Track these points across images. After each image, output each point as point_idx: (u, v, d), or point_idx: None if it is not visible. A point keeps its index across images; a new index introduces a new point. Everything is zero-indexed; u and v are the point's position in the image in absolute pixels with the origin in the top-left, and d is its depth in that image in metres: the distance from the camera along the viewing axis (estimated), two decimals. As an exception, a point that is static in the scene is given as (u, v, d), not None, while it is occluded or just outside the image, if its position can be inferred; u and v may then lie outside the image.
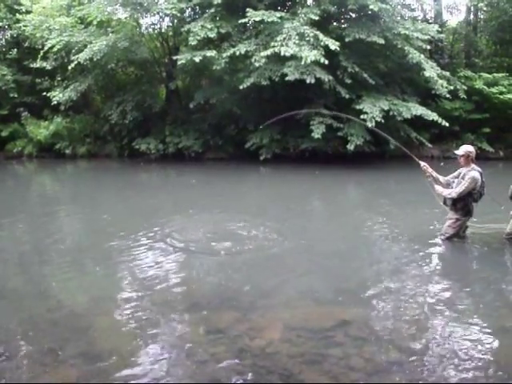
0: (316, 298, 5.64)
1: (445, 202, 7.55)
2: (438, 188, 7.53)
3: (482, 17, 25.72)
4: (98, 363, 4.16)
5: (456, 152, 7.58)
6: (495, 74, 20.21)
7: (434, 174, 7.67)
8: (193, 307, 5.38)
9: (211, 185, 14.82)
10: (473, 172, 7.27)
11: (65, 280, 6.43)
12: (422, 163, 7.72)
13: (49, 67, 20.37)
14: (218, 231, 8.80)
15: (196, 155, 19.70)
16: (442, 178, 7.63)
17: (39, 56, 19.68)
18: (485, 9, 24.48)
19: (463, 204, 7.36)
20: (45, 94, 20.16)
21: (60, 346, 4.47)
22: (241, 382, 3.88)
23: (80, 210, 11.20)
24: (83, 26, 20.03)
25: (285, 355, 4.24)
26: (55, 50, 18.89)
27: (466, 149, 7.46)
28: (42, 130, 20.93)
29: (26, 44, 21.29)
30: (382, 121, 16.44)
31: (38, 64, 20.12)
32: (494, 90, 19.54)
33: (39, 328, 4.91)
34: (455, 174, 7.52)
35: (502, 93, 19.43)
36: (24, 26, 20.18)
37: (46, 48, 18.96)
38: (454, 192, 7.34)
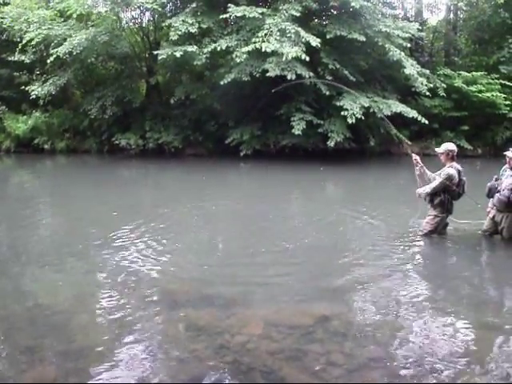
0: (296, 295, 5.64)
1: (425, 199, 7.64)
2: (418, 190, 7.61)
3: (461, 16, 26.03)
4: (76, 361, 4.12)
5: (436, 149, 7.67)
6: (474, 73, 20.50)
7: (424, 168, 7.74)
8: (173, 304, 5.35)
9: (191, 181, 14.76)
10: (449, 169, 7.35)
11: (43, 278, 6.36)
12: (414, 155, 7.80)
13: (27, 61, 20.09)
14: (198, 228, 8.78)
15: (176, 151, 19.63)
16: (429, 173, 7.70)
17: (17, 49, 19.35)
18: (464, 8, 24.77)
19: (440, 201, 7.44)
20: (23, 87, 19.91)
21: (38, 345, 4.42)
22: (221, 378, 3.88)
23: (59, 207, 11.08)
24: (63, 20, 19.80)
25: (265, 351, 4.24)
26: (34, 43, 18.60)
27: (446, 147, 7.54)
28: (20, 125, 20.66)
29: (4, 37, 20.96)
30: (363, 117, 16.54)
31: (16, 57, 19.84)
32: (472, 88, 19.81)
33: (17, 327, 4.84)
34: (439, 171, 7.60)
35: (480, 91, 19.70)
36: (1, 18, 19.83)
37: (24, 41, 18.67)
38: (428, 187, 7.44)
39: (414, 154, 7.86)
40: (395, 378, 3.89)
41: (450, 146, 7.58)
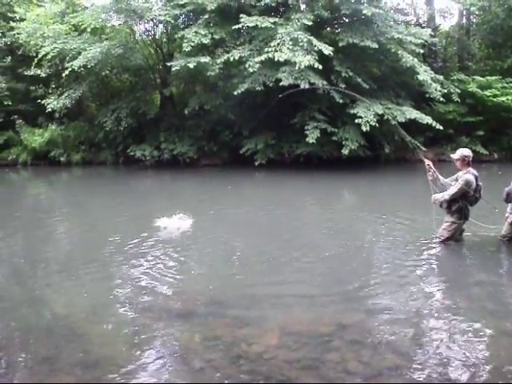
0: (313, 303, 5.62)
1: (441, 205, 7.57)
2: (435, 195, 7.55)
3: (474, 20, 25.89)
4: (93, 371, 4.13)
5: (452, 156, 7.60)
6: (488, 77, 20.36)
7: (437, 173, 7.69)
8: (189, 314, 5.35)
9: (206, 191, 14.80)
10: (467, 175, 7.28)
11: (60, 288, 6.39)
12: (427, 161, 7.74)
13: (43, 75, 20.36)
14: (213, 238, 8.78)
15: (191, 161, 19.70)
16: (442, 179, 7.65)
17: (33, 63, 19.65)
18: (477, 13, 24.60)
19: (458, 207, 7.37)
20: (39, 101, 20.17)
21: (55, 355, 4.45)
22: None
23: (75, 218, 11.16)
24: (77, 34, 20.07)
25: (282, 361, 4.22)
26: (49, 57, 18.86)
27: (461, 153, 7.46)
28: (36, 138, 20.88)
29: (20, 52, 21.24)
30: (377, 125, 16.50)
31: (32, 71, 20.12)
32: (487, 92, 19.66)
33: (34, 336, 4.87)
34: (454, 176, 7.54)
35: (495, 95, 19.56)
36: (18, 33, 20.14)
37: (40, 55, 18.93)
38: (446, 194, 7.37)
39: (426, 160, 7.80)
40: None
41: (465, 151, 7.51)
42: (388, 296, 5.76)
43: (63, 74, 18.47)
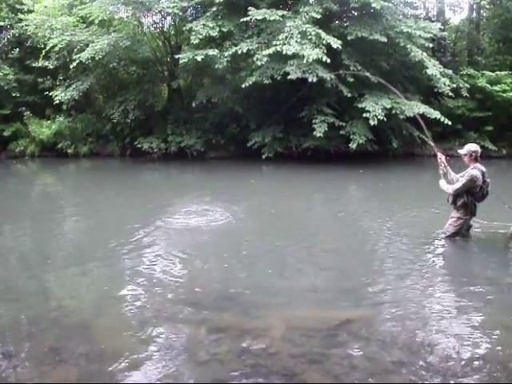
0: (318, 298, 5.62)
1: (448, 200, 7.53)
2: (441, 182, 7.52)
3: (484, 15, 25.66)
4: (99, 363, 4.15)
5: (459, 151, 7.55)
6: (498, 72, 20.19)
7: (448, 167, 7.64)
8: (194, 307, 5.36)
9: (214, 184, 14.80)
10: (473, 171, 7.22)
11: (66, 279, 6.42)
12: (439, 154, 7.70)
13: (51, 66, 20.36)
14: (220, 231, 8.79)
15: (198, 154, 19.68)
16: (452, 174, 7.60)
17: (41, 55, 19.65)
18: (487, 6, 24.41)
19: (463, 202, 7.31)
20: (47, 93, 20.19)
21: (61, 346, 4.46)
22: (243, 382, 3.87)
23: (82, 210, 11.18)
24: (85, 25, 20.04)
25: (287, 355, 4.22)
26: (57, 49, 18.86)
27: (468, 148, 7.41)
28: (44, 130, 20.92)
29: (28, 43, 21.28)
30: (385, 119, 16.43)
31: (40, 63, 20.11)
32: (496, 88, 19.51)
33: (40, 327, 4.89)
34: (463, 173, 7.49)
35: (504, 91, 19.40)
36: (26, 25, 20.11)
37: (48, 47, 18.92)
38: (451, 188, 7.33)
39: (439, 153, 7.74)
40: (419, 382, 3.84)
41: (472, 146, 7.45)
42: (394, 291, 5.74)
43: (71, 66, 18.45)
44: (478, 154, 7.37)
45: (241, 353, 4.27)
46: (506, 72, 20.28)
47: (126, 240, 7.96)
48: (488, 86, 19.63)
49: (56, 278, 6.47)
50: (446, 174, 7.65)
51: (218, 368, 4.06)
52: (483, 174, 7.26)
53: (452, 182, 7.53)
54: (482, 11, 25.51)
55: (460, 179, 7.35)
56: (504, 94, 19.35)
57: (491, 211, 8.02)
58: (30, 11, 20.92)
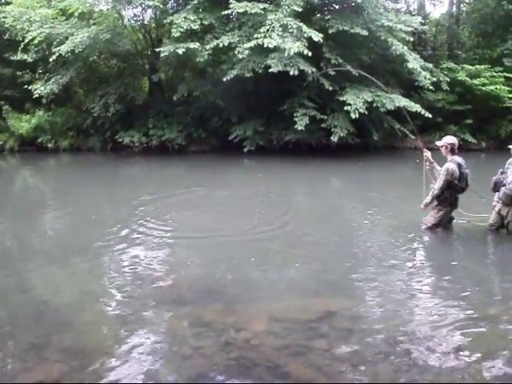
0: (301, 290, 5.65)
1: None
2: (425, 202, 7.55)
3: (464, 9, 25.98)
4: (81, 359, 4.12)
5: (437, 143, 7.64)
6: (477, 66, 20.41)
7: (434, 163, 7.71)
8: (177, 301, 5.35)
9: (195, 177, 14.77)
10: (448, 164, 7.30)
11: (48, 276, 6.37)
12: (426, 151, 7.73)
13: (30, 60, 19.99)
14: (201, 224, 8.78)
15: (179, 148, 19.61)
16: (439, 169, 7.65)
17: (20, 48, 19.29)
18: (467, 1, 24.68)
19: (443, 197, 7.40)
20: (26, 86, 19.88)
21: (43, 342, 4.43)
22: (226, 375, 3.87)
23: (63, 206, 11.07)
24: (64, 18, 19.75)
25: (270, 347, 4.24)
26: (36, 42, 18.56)
27: (445, 140, 7.51)
28: (23, 124, 20.64)
29: (6, 36, 20.79)
30: (366, 112, 16.51)
31: (18, 56, 19.75)
32: (476, 81, 19.73)
33: (22, 324, 4.85)
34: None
35: (484, 84, 19.63)
36: (4, 17, 19.73)
37: (26, 40, 18.61)
38: (434, 190, 7.39)
39: (425, 150, 7.78)
40: (401, 373, 3.88)
41: (449, 139, 7.54)
42: (376, 282, 5.79)
43: (50, 59, 18.19)
44: (455, 147, 7.45)
45: (224, 346, 4.28)
46: (485, 66, 20.50)
47: (107, 235, 7.90)
48: (468, 79, 19.84)
49: (36, 275, 6.40)
50: (432, 170, 7.72)
51: (201, 362, 4.06)
52: (459, 165, 7.33)
53: (438, 176, 7.58)
54: (461, 5, 25.80)
55: (439, 175, 7.43)
56: (483, 88, 19.57)
57: (470, 204, 8.09)
58: (7, 3, 20.60)
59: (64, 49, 17.42)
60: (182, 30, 16.75)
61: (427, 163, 7.70)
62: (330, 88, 16.93)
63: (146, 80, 22.13)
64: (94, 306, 5.32)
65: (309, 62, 16.37)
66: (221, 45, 16.74)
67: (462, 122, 20.22)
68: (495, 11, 22.25)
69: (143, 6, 19.36)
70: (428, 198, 7.49)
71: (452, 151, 7.42)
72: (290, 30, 15.90)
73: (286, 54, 15.47)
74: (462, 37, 24.69)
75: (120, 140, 19.80)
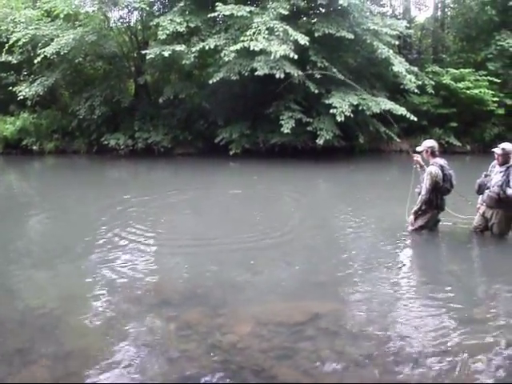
0: (286, 292, 5.66)
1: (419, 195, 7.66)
2: (411, 217, 7.62)
3: (449, 13, 26.20)
4: (67, 363, 4.09)
5: (417, 149, 7.70)
6: (462, 70, 20.59)
7: (425, 167, 7.75)
8: (163, 304, 5.33)
9: (180, 180, 14.74)
10: (431, 167, 7.38)
11: (33, 280, 6.30)
12: (416, 156, 7.75)
13: (14, 61, 19.86)
14: (187, 227, 8.76)
15: (165, 150, 19.55)
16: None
17: (4, 50, 19.19)
18: (452, 5, 24.90)
19: (428, 199, 7.46)
20: (10, 88, 19.72)
21: (28, 347, 4.39)
22: (212, 378, 3.87)
23: (47, 209, 10.98)
24: (50, 19, 19.66)
25: (256, 350, 4.24)
26: (21, 43, 18.45)
27: (425, 144, 7.61)
28: (8, 126, 20.44)
29: (-10, 37, 20.76)
30: (352, 115, 16.59)
31: (2, 58, 19.61)
32: (460, 85, 19.91)
33: (6, 328, 4.80)
34: None
35: (468, 88, 19.81)
36: (-13, 19, 19.66)
37: (11, 41, 18.51)
38: (422, 196, 7.44)
39: (415, 155, 7.82)
40: (387, 375, 3.90)
41: (428, 143, 7.63)
42: (361, 284, 5.82)
43: (35, 61, 18.09)
44: (435, 149, 7.53)
45: (210, 349, 4.27)
46: (470, 69, 20.68)
47: (92, 238, 7.86)
48: (452, 83, 20.02)
49: (21, 278, 6.32)
50: (420, 174, 7.78)
51: (187, 365, 4.05)
52: (442, 167, 7.39)
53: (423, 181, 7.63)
54: (446, 10, 26.02)
55: (423, 179, 7.50)
56: (468, 91, 19.75)
57: (455, 207, 8.16)
58: (-9, 4, 20.45)
59: (49, 50, 17.34)
60: (168, 32, 16.73)
61: (417, 165, 7.76)
62: (316, 91, 16.99)
63: (132, 82, 22.05)
64: (78, 310, 5.27)
65: (295, 65, 16.43)
66: (207, 47, 16.74)
67: (446, 125, 20.39)
68: (479, 16, 22.44)
69: (129, 8, 19.36)
70: (417, 206, 7.55)
71: (433, 154, 7.50)
72: (277, 33, 15.95)
73: (272, 57, 15.51)
74: (446, 41, 24.92)
75: (106, 143, 19.70)
